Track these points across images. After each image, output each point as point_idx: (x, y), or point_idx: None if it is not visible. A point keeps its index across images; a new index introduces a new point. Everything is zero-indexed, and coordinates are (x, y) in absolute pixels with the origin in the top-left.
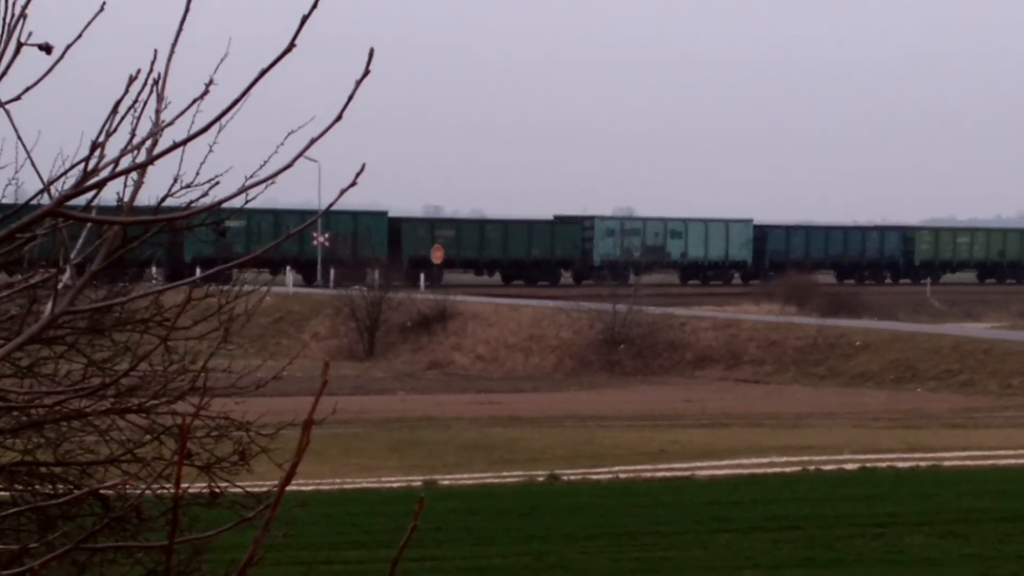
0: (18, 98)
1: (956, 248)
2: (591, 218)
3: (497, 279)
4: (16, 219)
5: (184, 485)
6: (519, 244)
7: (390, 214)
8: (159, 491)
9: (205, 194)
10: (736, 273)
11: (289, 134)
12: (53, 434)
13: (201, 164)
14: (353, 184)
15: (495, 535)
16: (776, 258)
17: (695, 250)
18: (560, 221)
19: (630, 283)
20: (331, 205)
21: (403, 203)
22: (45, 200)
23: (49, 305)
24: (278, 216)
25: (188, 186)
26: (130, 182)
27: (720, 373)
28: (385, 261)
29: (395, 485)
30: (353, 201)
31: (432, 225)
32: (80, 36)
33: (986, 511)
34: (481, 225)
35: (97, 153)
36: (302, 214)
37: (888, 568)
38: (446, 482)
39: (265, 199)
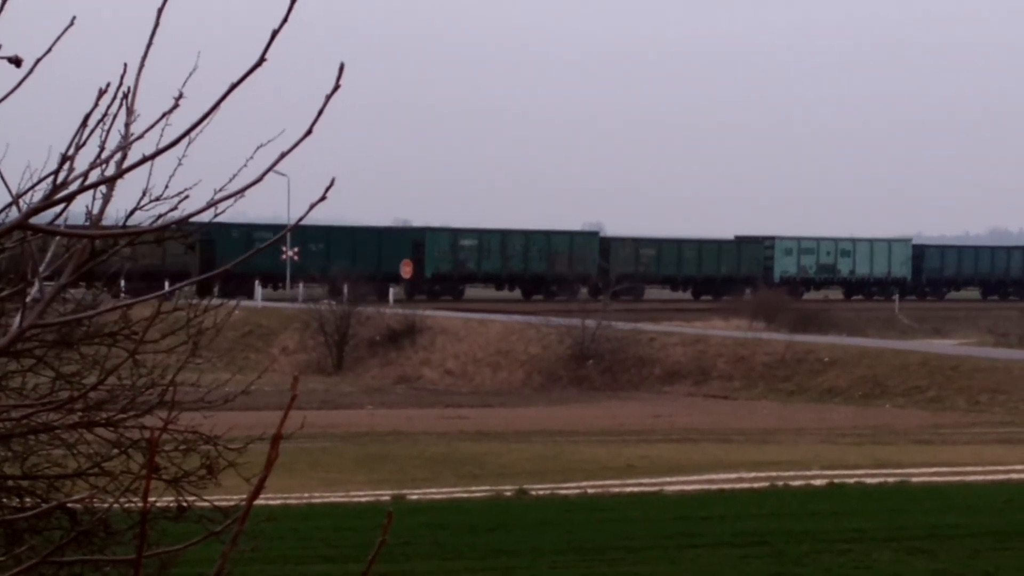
0: None
1: None
2: (771, 238)
3: (687, 295)
4: None
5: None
6: (710, 262)
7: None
8: (127, 505)
9: (174, 208)
10: (896, 289)
11: (258, 148)
12: (20, 447)
13: (170, 177)
14: (322, 199)
15: (463, 550)
16: (932, 275)
17: (862, 268)
18: (743, 241)
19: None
20: (301, 219)
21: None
22: (13, 214)
23: (17, 319)
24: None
25: (157, 199)
26: (99, 196)
27: (689, 389)
28: (595, 278)
29: (363, 499)
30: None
31: (637, 244)
32: (50, 50)
33: (954, 527)
34: (679, 244)
35: (66, 166)
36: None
37: None
38: (414, 496)
39: (233, 212)
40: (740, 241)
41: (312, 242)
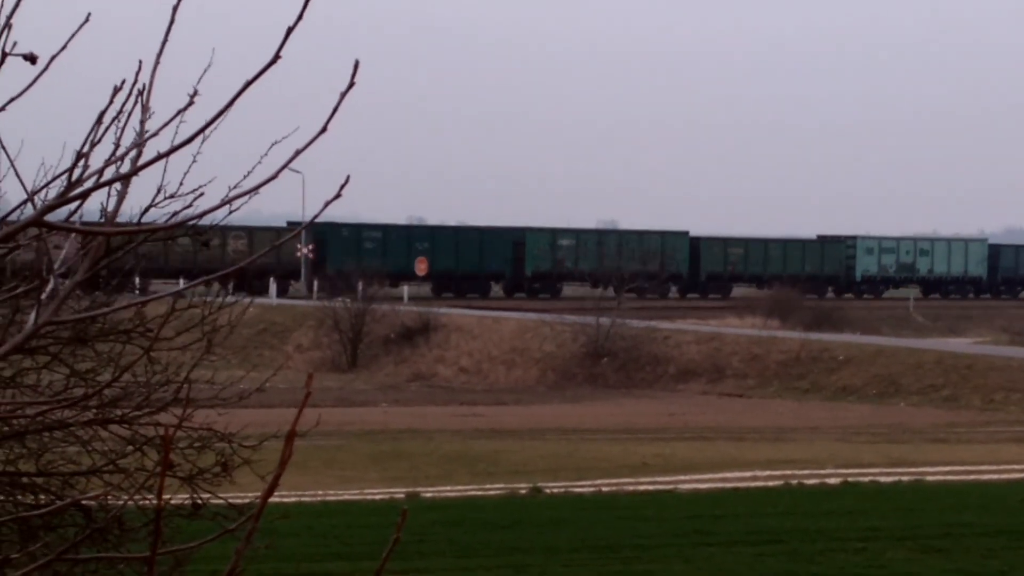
0: (3, 109)
1: None
2: (853, 238)
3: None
4: None
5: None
6: (794, 261)
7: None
8: (141, 502)
9: (189, 205)
10: (972, 288)
11: (273, 145)
12: (35, 445)
13: (185, 175)
14: (338, 196)
15: (477, 547)
16: (1007, 274)
17: (939, 267)
18: (826, 240)
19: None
20: (316, 217)
21: (385, 214)
22: (28, 211)
23: (32, 315)
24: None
25: (172, 197)
26: (114, 192)
27: (703, 387)
28: (686, 276)
29: (377, 497)
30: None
31: (726, 243)
32: (65, 47)
33: (968, 526)
34: (765, 244)
35: (81, 163)
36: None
37: None
38: (428, 494)
39: (248, 210)
40: (823, 241)
41: (418, 242)
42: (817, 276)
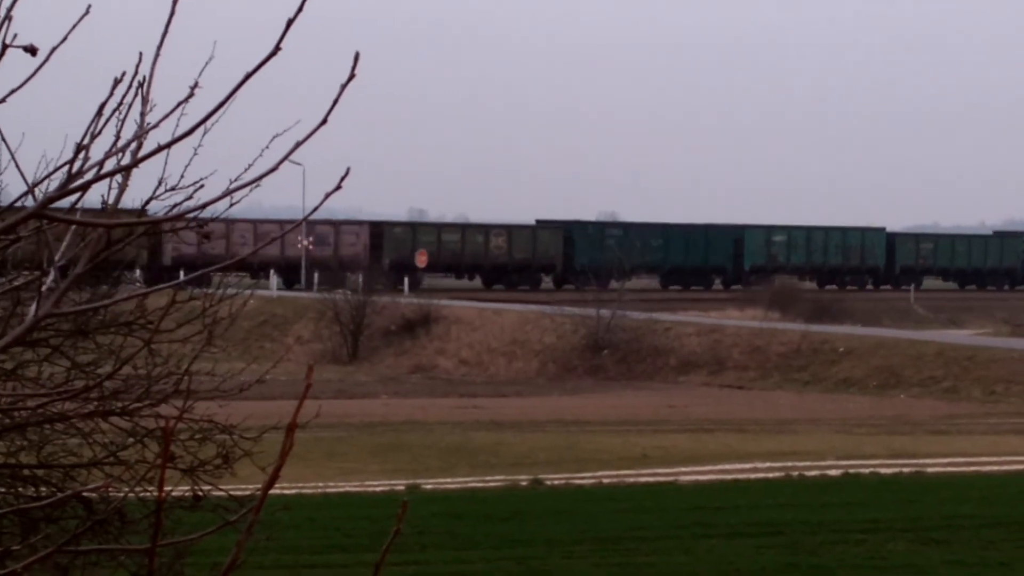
0: (3, 100)
1: None
2: None
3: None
4: (0, 221)
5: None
6: (977, 255)
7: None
8: (142, 494)
9: (190, 197)
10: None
11: (274, 137)
12: (36, 437)
13: (186, 167)
14: (337, 188)
15: (478, 539)
16: None
17: None
18: (1004, 235)
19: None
20: (316, 209)
21: (386, 207)
22: (29, 202)
23: (33, 307)
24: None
25: (172, 189)
26: (115, 184)
27: (704, 378)
28: (881, 270)
29: (378, 489)
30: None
31: (917, 239)
32: (66, 38)
33: (969, 518)
34: (952, 239)
35: (82, 155)
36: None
37: (871, 574)
38: (429, 486)
39: (249, 202)
40: (1001, 236)
41: (651, 238)
42: (996, 269)
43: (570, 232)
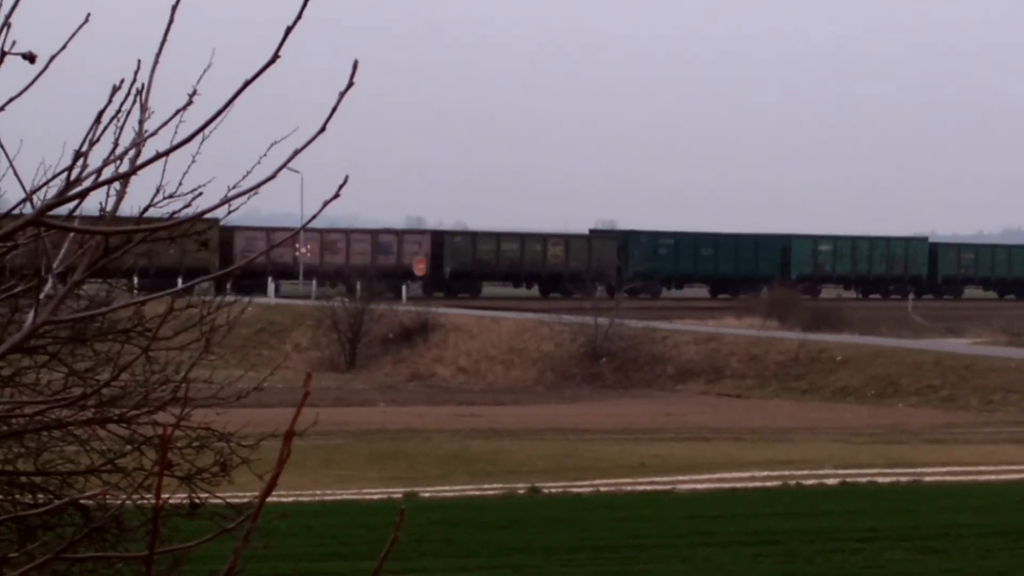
0: (2, 108)
1: None
2: None
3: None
4: None
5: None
6: (1018, 265)
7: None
8: (139, 501)
9: (188, 204)
10: None
11: (272, 145)
12: (34, 444)
13: (184, 174)
14: (336, 196)
15: (476, 548)
16: None
17: None
18: None
19: None
20: (314, 217)
21: (384, 214)
22: (27, 209)
23: (31, 315)
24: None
25: (171, 196)
26: (113, 192)
27: (701, 387)
28: (924, 280)
29: (376, 497)
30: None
31: (959, 249)
32: (65, 46)
33: (966, 527)
34: (992, 249)
35: (80, 163)
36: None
37: None
38: (427, 494)
39: (247, 209)
40: None
41: (703, 247)
42: None
43: (624, 241)
